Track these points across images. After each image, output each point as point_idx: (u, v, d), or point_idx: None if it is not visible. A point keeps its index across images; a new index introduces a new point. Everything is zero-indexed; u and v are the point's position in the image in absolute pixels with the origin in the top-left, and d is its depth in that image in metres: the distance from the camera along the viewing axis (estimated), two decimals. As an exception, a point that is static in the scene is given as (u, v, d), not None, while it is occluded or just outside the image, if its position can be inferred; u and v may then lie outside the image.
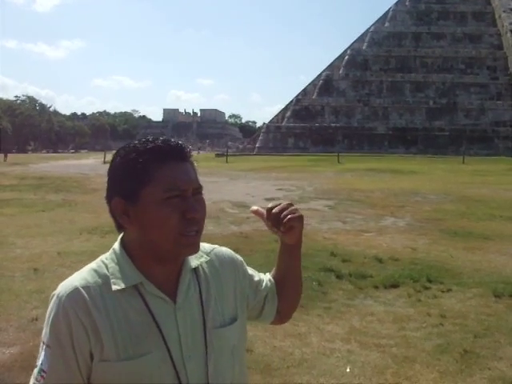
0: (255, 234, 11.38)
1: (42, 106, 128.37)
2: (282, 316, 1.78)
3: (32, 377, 1.40)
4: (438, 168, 35.68)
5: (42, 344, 1.40)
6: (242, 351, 1.60)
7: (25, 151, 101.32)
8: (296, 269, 1.73)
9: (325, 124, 61.70)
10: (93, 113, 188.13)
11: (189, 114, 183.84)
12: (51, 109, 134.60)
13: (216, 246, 1.67)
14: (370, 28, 71.37)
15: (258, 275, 1.73)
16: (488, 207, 16.61)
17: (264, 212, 1.59)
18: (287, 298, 1.75)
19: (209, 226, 12.52)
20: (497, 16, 68.39)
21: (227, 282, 1.59)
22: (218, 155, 60.93)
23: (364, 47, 68.36)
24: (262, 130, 66.54)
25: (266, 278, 1.75)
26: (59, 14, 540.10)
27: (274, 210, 1.55)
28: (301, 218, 1.57)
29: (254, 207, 1.65)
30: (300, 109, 64.20)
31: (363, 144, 59.32)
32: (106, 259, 1.46)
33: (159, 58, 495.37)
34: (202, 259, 1.55)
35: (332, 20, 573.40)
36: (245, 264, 1.70)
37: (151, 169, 1.38)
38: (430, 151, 54.63)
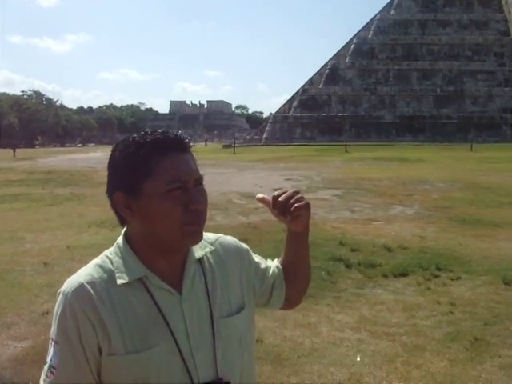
0: (264, 224, 11.37)
1: (49, 100, 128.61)
2: (290, 302, 1.77)
3: (42, 373, 1.41)
4: (446, 156, 35.48)
5: (50, 341, 1.41)
6: (250, 340, 1.60)
7: (32, 146, 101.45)
8: (304, 256, 1.72)
9: (332, 113, 61.45)
10: (99, 106, 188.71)
11: (195, 105, 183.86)
12: (58, 103, 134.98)
13: (221, 235, 1.66)
14: (375, 16, 70.90)
15: (264, 262, 1.72)
16: (496, 194, 16.54)
17: (270, 200, 1.57)
18: (295, 284, 1.74)
19: (217, 217, 12.55)
20: (503, 2, 67.86)
21: (233, 270, 1.58)
22: (225, 146, 60.77)
23: (370, 35, 67.95)
24: (269, 121, 66.42)
25: (274, 264, 1.74)
26: (64, 8, 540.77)
27: (280, 199, 1.54)
28: (308, 205, 1.55)
29: (260, 195, 1.62)
30: (307, 98, 63.97)
31: (370, 133, 59.07)
32: (110, 254, 1.47)
33: (165, 51, 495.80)
34: (207, 249, 1.55)
35: (337, 9, 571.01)
36: (250, 252, 1.69)
37: (152, 161, 1.38)
38: (437, 139, 54.34)
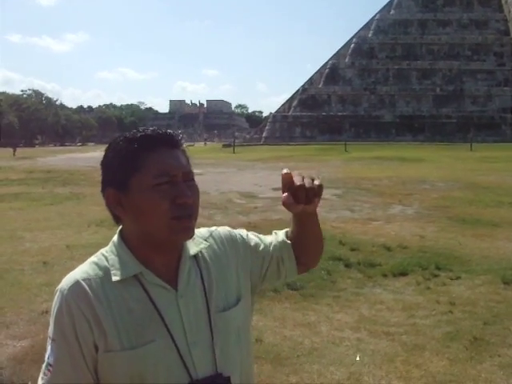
0: (263, 223, 11.38)
1: (49, 99, 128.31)
2: (308, 265, 1.76)
3: (41, 371, 1.42)
4: (446, 155, 35.50)
5: (48, 339, 1.41)
6: (247, 331, 1.60)
7: (32, 145, 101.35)
8: (316, 231, 1.69)
9: (331, 113, 61.39)
10: (99, 105, 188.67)
11: (195, 105, 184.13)
12: (57, 102, 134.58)
13: (213, 228, 1.65)
14: (375, 16, 70.83)
15: (263, 243, 1.67)
16: (496, 194, 16.55)
17: (293, 181, 1.47)
18: (310, 254, 1.72)
19: (216, 217, 12.57)
20: (503, 1, 67.81)
21: (228, 262, 1.58)
22: (225, 146, 60.75)
23: (370, 35, 67.89)
24: (269, 120, 66.33)
25: (277, 238, 1.69)
26: (63, 7, 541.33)
27: (301, 193, 1.47)
28: (322, 187, 1.53)
29: (286, 170, 1.48)
30: (306, 98, 63.91)
31: (370, 132, 59.02)
32: (106, 252, 1.47)
33: (164, 50, 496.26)
34: (202, 246, 1.55)
35: (337, 8, 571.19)
36: (246, 237, 1.66)
37: (140, 156, 1.38)
38: (437, 139, 54.27)
